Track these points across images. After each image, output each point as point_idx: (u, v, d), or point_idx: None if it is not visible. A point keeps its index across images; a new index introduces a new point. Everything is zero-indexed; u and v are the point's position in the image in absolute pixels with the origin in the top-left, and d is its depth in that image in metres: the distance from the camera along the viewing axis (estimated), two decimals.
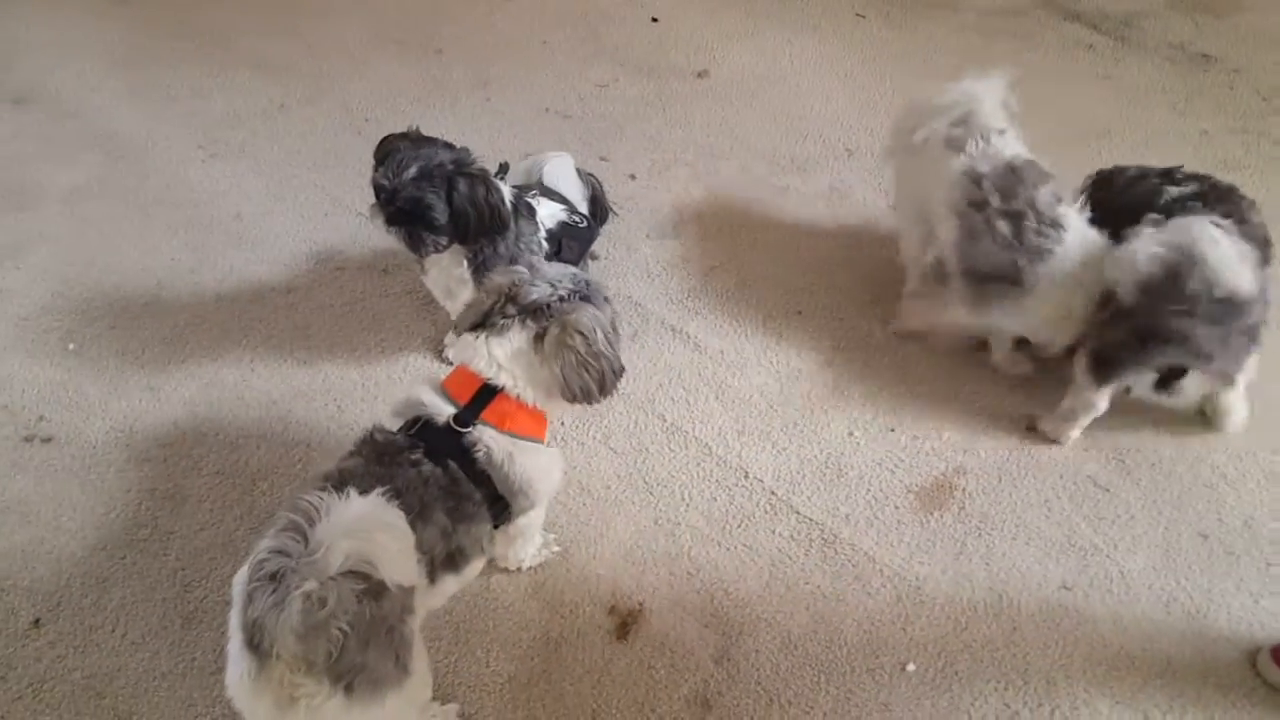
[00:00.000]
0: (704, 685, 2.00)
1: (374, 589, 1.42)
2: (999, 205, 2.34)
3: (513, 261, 2.33)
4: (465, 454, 1.74)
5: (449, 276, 2.36)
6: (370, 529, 1.46)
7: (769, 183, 3.19)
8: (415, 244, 2.22)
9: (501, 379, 1.79)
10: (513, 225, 2.27)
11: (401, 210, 2.17)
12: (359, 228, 2.91)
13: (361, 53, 3.68)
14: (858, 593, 2.16)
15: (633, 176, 3.21)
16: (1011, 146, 2.41)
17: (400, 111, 3.40)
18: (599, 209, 2.84)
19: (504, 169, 2.53)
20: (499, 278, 1.87)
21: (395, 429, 1.78)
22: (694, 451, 2.44)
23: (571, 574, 2.19)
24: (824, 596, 2.16)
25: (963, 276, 2.45)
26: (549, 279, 1.83)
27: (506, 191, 2.30)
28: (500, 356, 1.79)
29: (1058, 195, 2.37)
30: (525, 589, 2.15)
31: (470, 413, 1.77)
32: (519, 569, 2.16)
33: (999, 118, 2.45)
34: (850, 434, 2.49)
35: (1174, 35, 3.93)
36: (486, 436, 1.76)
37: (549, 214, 2.47)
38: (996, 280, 2.38)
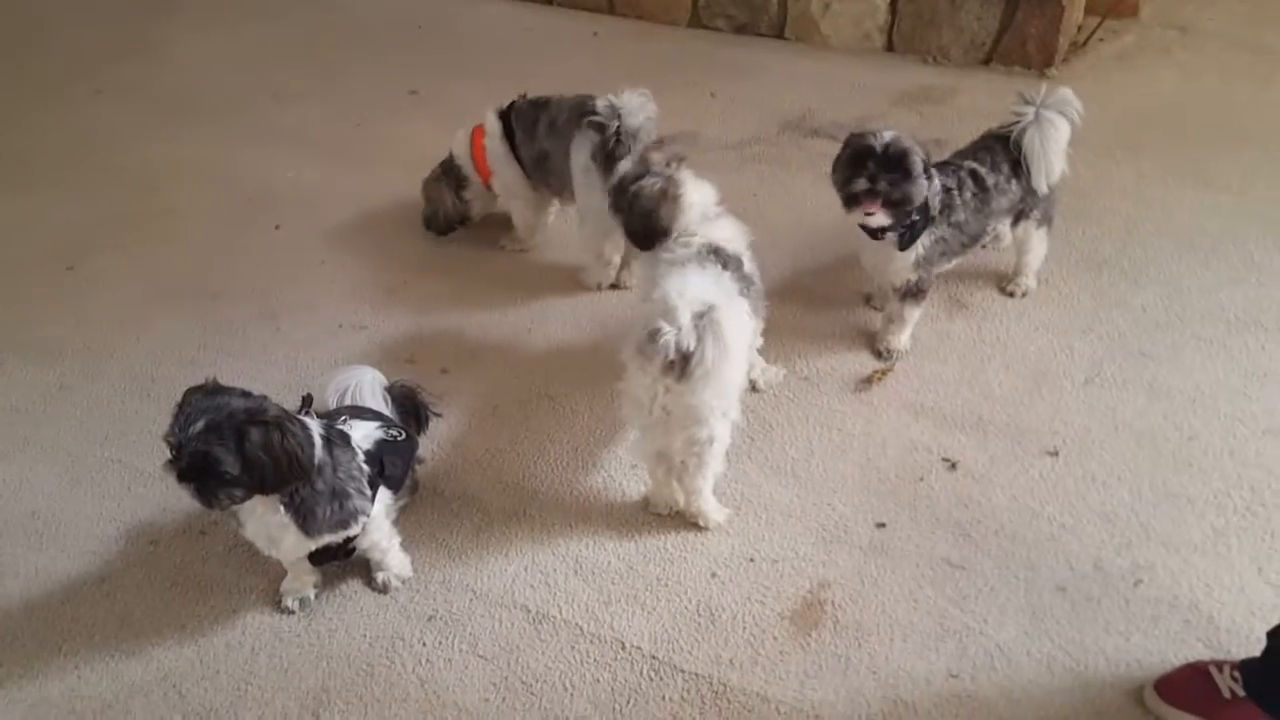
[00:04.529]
0: None
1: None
2: None
3: (335, 494, 2.27)
4: None
5: (268, 525, 2.25)
6: None
7: (575, 352, 3.24)
8: (207, 499, 2.12)
9: None
10: (316, 466, 2.19)
11: (191, 465, 2.08)
12: (165, 494, 2.76)
13: (136, 313, 3.55)
14: None
15: (444, 371, 3.20)
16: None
17: (189, 363, 3.29)
18: (418, 414, 2.81)
19: (307, 402, 2.47)
20: None
21: None
22: (566, 636, 2.37)
23: None
24: None
25: None
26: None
27: (315, 427, 2.24)
28: None
29: None
30: None
31: None
32: None
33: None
34: (713, 575, 2.49)
35: (904, 128, 4.26)
36: None
37: (364, 435, 2.42)
38: None
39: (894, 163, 2.70)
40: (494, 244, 3.77)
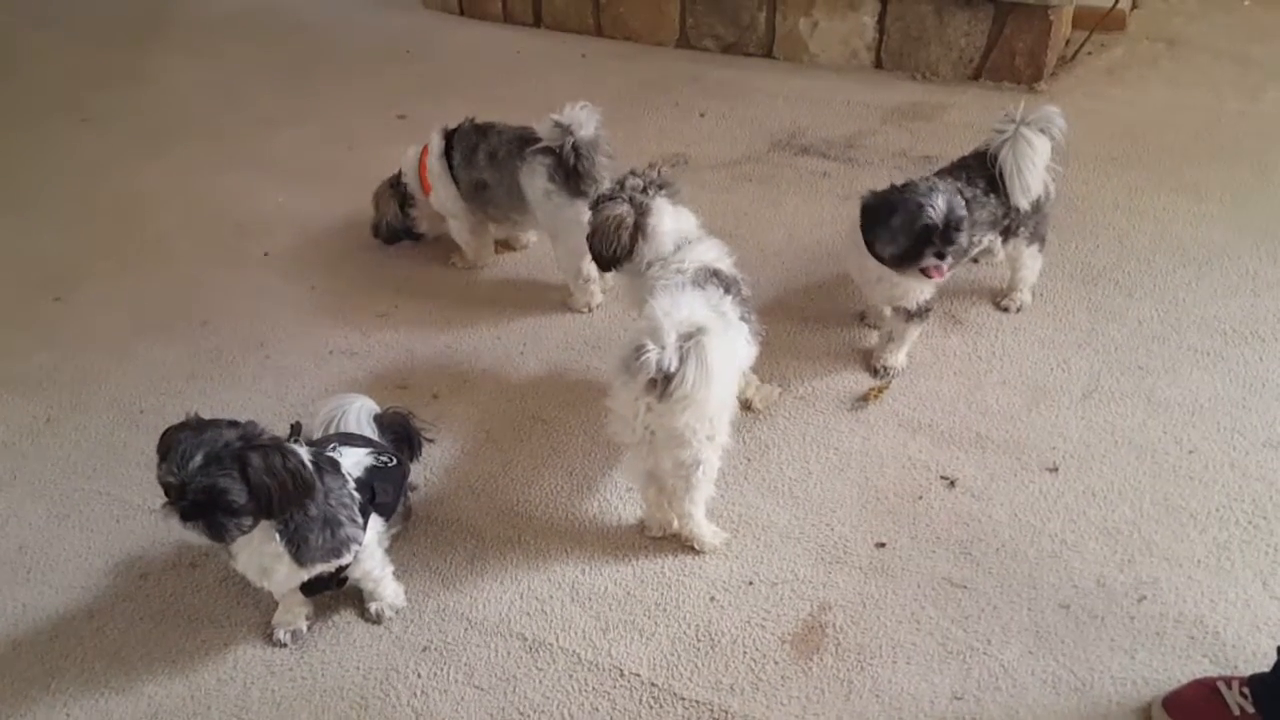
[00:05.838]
0: None
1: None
2: None
3: (326, 522, 2.23)
4: None
5: (262, 555, 2.22)
6: None
7: (567, 374, 3.22)
8: (218, 533, 2.09)
9: None
10: (319, 484, 2.16)
11: (196, 503, 2.05)
12: (154, 526, 2.72)
13: (123, 344, 3.52)
14: None
15: (435, 396, 3.17)
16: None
17: (177, 393, 3.25)
18: (410, 440, 2.78)
19: (296, 429, 2.43)
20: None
21: None
22: (563, 664, 2.34)
23: None
24: None
25: None
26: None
27: (304, 453, 2.21)
28: None
29: None
30: None
31: None
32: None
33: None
34: (712, 599, 2.45)
35: (895, 145, 4.28)
36: None
37: (354, 462, 2.39)
38: None
39: (955, 230, 2.71)
40: (488, 267, 3.77)
